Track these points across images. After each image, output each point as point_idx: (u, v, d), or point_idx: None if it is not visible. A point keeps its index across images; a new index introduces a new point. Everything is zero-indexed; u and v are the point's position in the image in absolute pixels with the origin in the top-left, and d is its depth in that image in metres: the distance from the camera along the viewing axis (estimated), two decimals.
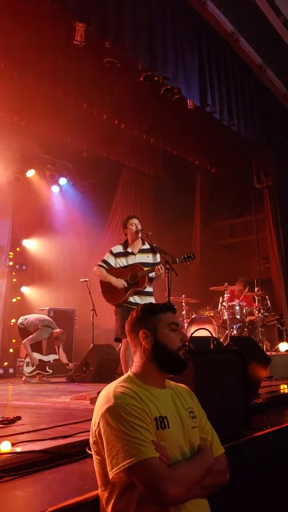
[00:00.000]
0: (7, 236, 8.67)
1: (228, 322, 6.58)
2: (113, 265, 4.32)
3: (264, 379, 4.47)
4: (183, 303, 7.37)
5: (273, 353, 6.15)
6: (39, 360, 6.63)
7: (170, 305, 1.71)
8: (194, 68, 5.28)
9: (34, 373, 6.55)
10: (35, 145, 8.28)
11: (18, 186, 8.58)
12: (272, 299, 7.22)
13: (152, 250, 4.38)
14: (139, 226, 4.37)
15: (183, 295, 7.33)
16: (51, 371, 6.73)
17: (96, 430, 1.46)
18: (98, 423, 1.45)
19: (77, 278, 7.55)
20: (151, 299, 4.31)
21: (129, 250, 4.38)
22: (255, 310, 6.86)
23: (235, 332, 6.66)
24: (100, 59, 5.60)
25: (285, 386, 4.55)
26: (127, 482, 1.38)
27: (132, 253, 4.36)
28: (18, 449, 2.16)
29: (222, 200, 9.53)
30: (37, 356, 6.64)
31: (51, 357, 6.81)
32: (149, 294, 4.31)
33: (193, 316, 7.18)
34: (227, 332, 6.60)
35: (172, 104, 6.44)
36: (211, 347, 3.05)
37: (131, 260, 4.32)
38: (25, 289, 8.92)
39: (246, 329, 6.80)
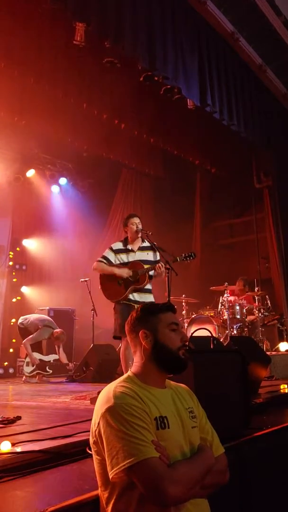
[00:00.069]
0: (7, 236, 8.67)
1: (228, 322, 6.59)
2: (113, 261, 4.33)
3: (264, 379, 4.47)
4: (183, 303, 7.37)
5: (273, 352, 6.14)
6: (39, 360, 6.63)
7: (170, 305, 1.71)
8: (194, 68, 5.28)
9: (34, 373, 6.55)
10: (35, 145, 8.27)
11: (18, 186, 8.58)
12: (272, 298, 7.22)
13: (152, 248, 4.39)
14: (140, 226, 4.37)
15: (183, 295, 7.33)
16: (51, 371, 6.73)
17: (96, 430, 1.46)
18: (98, 423, 1.45)
19: (77, 278, 7.55)
20: (151, 297, 4.32)
21: (129, 247, 4.39)
22: (255, 310, 6.86)
23: (235, 332, 6.66)
24: (100, 59, 5.61)
25: (285, 386, 4.55)
26: (127, 482, 1.38)
27: (132, 251, 4.37)
28: (18, 449, 2.16)
29: (222, 200, 9.53)
30: (37, 356, 6.64)
31: (51, 357, 6.81)
32: (148, 291, 4.32)
33: (193, 316, 7.18)
34: (227, 332, 6.61)
35: (172, 104, 6.44)
36: (211, 347, 3.05)
37: (131, 257, 4.33)
38: (25, 289, 8.92)
39: (246, 329, 6.80)
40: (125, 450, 1.35)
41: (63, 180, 9.37)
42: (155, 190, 9.68)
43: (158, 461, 1.35)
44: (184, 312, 7.32)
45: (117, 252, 4.37)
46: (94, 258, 4.46)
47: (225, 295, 6.82)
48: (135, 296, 4.23)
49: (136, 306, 4.04)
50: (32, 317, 6.93)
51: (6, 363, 7.68)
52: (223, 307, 6.88)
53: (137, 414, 1.41)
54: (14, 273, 8.74)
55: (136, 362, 1.63)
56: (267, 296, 7.05)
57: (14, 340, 8.13)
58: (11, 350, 8.06)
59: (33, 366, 6.57)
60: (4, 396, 4.95)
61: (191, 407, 1.62)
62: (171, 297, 4.28)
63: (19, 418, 2.94)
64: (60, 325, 7.01)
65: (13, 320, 8.14)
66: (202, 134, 7.52)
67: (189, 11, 5.32)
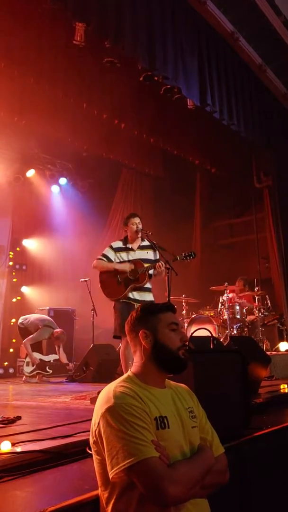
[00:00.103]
0: (7, 236, 8.67)
1: (228, 322, 6.59)
2: (113, 259, 4.33)
3: (264, 378, 4.47)
4: (183, 303, 7.37)
5: (273, 352, 6.14)
6: (40, 360, 6.63)
7: (170, 305, 1.71)
8: (194, 68, 5.28)
9: (34, 373, 6.55)
10: (35, 145, 8.27)
11: (18, 186, 8.58)
12: (272, 298, 7.23)
13: (152, 247, 4.40)
14: (140, 226, 4.38)
15: (183, 295, 7.33)
16: (51, 371, 6.73)
17: (96, 430, 1.46)
18: (98, 423, 1.45)
19: (77, 278, 7.55)
20: (150, 295, 4.33)
21: (129, 246, 4.41)
22: (255, 310, 6.86)
23: (235, 331, 6.66)
24: (100, 59, 5.61)
25: (285, 385, 4.55)
26: (127, 482, 1.38)
27: (132, 249, 4.38)
28: (18, 449, 2.16)
29: (222, 200, 9.53)
30: (37, 356, 6.64)
31: (51, 357, 6.81)
32: (148, 290, 4.33)
33: (193, 316, 7.18)
34: (227, 331, 6.61)
35: (172, 104, 6.44)
36: (211, 347, 3.05)
37: (131, 256, 4.34)
38: (25, 289, 8.92)
39: (246, 329, 6.81)
40: (125, 450, 1.35)
41: (63, 180, 9.37)
42: (155, 190, 9.68)
43: (158, 461, 1.35)
44: (184, 312, 7.32)
45: (117, 250, 4.38)
46: (94, 258, 4.46)
47: (225, 295, 6.82)
48: (135, 295, 4.24)
49: (135, 304, 4.06)
50: (32, 317, 6.94)
51: (6, 363, 7.69)
52: (223, 307, 6.88)
53: (137, 414, 1.41)
54: (14, 273, 8.74)
55: (136, 362, 1.63)
56: (267, 296, 7.05)
57: (14, 340, 8.13)
58: (11, 350, 8.06)
59: (33, 366, 6.57)
60: (4, 396, 4.95)
61: (191, 407, 1.62)
62: (171, 297, 4.28)
63: (19, 418, 2.94)
64: (60, 325, 7.02)
65: (13, 320, 8.14)
66: (202, 134, 7.51)
67: (189, 11, 5.32)
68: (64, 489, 1.76)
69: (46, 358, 6.77)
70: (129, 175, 9.53)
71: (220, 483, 1.56)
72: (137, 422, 1.39)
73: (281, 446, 2.73)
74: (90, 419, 1.53)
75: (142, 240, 4.45)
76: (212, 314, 7.14)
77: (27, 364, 6.67)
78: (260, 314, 6.74)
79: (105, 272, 4.31)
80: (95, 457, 1.50)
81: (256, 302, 6.92)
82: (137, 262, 4.27)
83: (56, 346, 6.80)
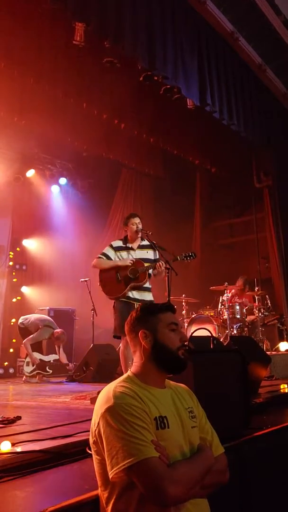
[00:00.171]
0: (7, 236, 8.67)
1: (228, 322, 6.59)
2: (113, 258, 4.34)
3: (264, 378, 4.47)
4: (183, 303, 7.37)
5: (273, 352, 6.14)
6: (40, 360, 6.63)
7: (170, 305, 1.71)
8: (194, 68, 5.28)
9: (34, 373, 6.55)
10: (35, 145, 8.27)
11: (18, 186, 8.58)
12: (272, 298, 7.23)
13: (151, 247, 4.40)
14: (140, 226, 4.38)
15: (183, 295, 7.33)
16: (51, 371, 6.73)
17: (96, 430, 1.46)
18: (98, 423, 1.45)
19: (77, 278, 7.55)
20: (150, 295, 4.34)
21: (129, 245, 4.41)
22: (255, 310, 6.86)
23: (235, 331, 6.66)
24: (100, 59, 5.61)
25: (285, 385, 4.55)
26: (127, 482, 1.38)
27: (132, 249, 4.39)
28: (18, 449, 2.16)
29: (222, 200, 9.54)
30: (37, 356, 6.64)
31: (51, 357, 6.81)
32: (147, 289, 4.34)
33: (193, 316, 7.19)
34: (227, 331, 6.61)
35: (172, 104, 6.44)
36: (211, 346, 3.05)
37: (131, 255, 4.35)
38: (25, 289, 8.92)
39: (246, 329, 6.81)
40: (125, 450, 1.35)
41: (63, 180, 9.36)
42: (155, 190, 9.68)
43: (158, 461, 1.35)
44: (184, 312, 7.32)
45: (117, 249, 4.39)
46: (94, 258, 4.46)
47: (225, 295, 6.82)
48: (134, 294, 4.25)
49: (135, 304, 4.07)
50: (32, 317, 6.94)
51: (6, 363, 7.68)
52: (223, 307, 6.88)
53: (137, 414, 1.41)
54: (14, 273, 8.74)
55: (135, 362, 1.63)
56: (267, 296, 7.05)
57: (14, 340, 8.13)
58: (11, 350, 8.06)
59: (33, 366, 6.57)
60: (4, 396, 4.95)
61: (191, 407, 1.62)
62: (171, 297, 4.28)
63: (19, 418, 2.94)
64: (60, 325, 7.02)
65: (13, 320, 8.14)
66: (202, 134, 7.51)
67: (189, 11, 5.32)
68: (64, 489, 1.76)
69: (46, 358, 6.78)
70: (129, 175, 9.52)
71: (220, 483, 1.56)
72: (137, 422, 1.39)
73: (281, 446, 2.73)
74: (90, 419, 1.53)
75: (142, 240, 4.46)
76: (212, 314, 7.14)
77: (27, 364, 6.67)
78: (260, 314, 6.74)
79: (105, 271, 4.32)
80: (95, 457, 1.50)
81: (256, 302, 6.92)
82: (137, 262, 4.27)
83: (56, 346, 6.80)
